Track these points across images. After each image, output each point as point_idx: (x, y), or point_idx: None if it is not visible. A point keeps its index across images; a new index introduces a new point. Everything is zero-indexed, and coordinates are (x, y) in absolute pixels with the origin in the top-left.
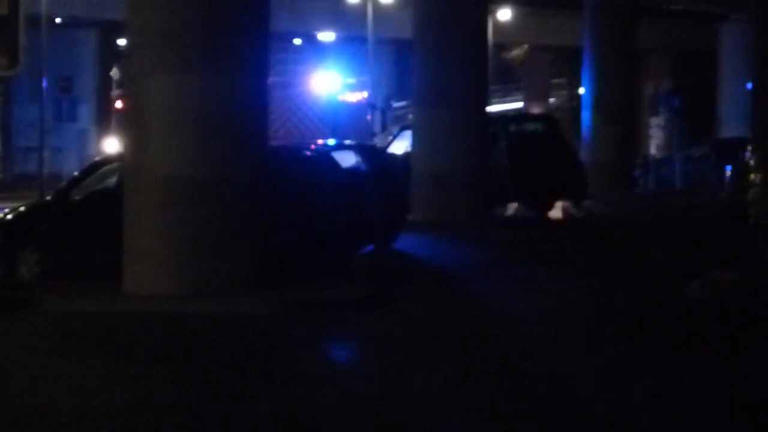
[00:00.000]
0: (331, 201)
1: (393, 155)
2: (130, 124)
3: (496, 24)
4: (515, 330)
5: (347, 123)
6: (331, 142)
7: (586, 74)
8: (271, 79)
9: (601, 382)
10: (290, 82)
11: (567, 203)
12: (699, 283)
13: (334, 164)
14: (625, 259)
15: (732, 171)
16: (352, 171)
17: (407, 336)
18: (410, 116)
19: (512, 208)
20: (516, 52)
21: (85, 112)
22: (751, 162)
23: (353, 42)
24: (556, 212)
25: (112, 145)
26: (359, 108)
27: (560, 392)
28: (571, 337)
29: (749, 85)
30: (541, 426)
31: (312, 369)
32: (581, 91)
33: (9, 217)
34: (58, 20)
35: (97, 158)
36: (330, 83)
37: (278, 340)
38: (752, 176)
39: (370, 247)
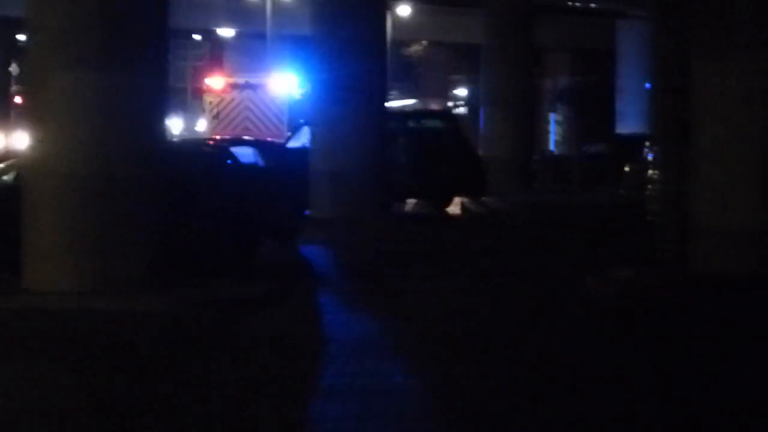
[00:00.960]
0: (230, 197)
1: (292, 151)
2: (30, 121)
3: (395, 20)
4: (405, 329)
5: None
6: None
7: (484, 71)
8: (230, 80)
9: (488, 378)
10: (249, 83)
11: (465, 199)
12: (596, 279)
13: (233, 160)
14: (522, 256)
15: (629, 168)
16: (252, 167)
17: (301, 334)
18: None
19: (411, 204)
20: (415, 49)
21: None
22: (649, 159)
23: (253, 38)
24: (454, 208)
25: (19, 140)
26: None
27: (446, 391)
28: (461, 333)
29: (648, 85)
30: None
31: (208, 368)
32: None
33: None
34: None
35: None
36: (288, 83)
37: (175, 338)
38: (650, 173)
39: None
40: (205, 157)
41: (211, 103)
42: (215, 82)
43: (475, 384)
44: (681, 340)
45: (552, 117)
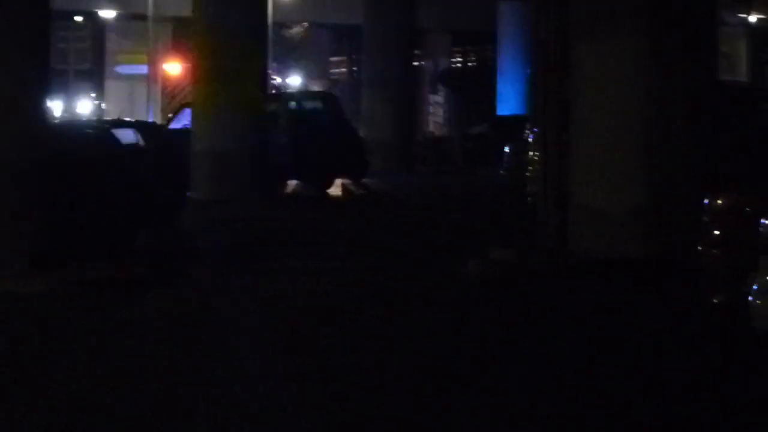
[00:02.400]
0: (110, 179)
1: (174, 133)
2: None
3: (276, 2)
4: (283, 312)
5: None
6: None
7: (365, 52)
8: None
9: (359, 354)
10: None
11: (347, 181)
12: (477, 262)
13: (114, 142)
14: (402, 237)
15: (510, 149)
16: (132, 148)
17: (175, 315)
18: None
19: (292, 185)
20: (296, 30)
21: None
22: (530, 141)
23: (134, 20)
24: (336, 190)
25: None
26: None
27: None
28: (327, 315)
29: (528, 70)
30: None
31: (87, 347)
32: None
33: None
34: None
35: None
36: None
37: (55, 319)
38: (530, 154)
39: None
40: (85, 140)
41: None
42: (173, 67)
43: (321, 366)
44: (547, 321)
45: (434, 99)
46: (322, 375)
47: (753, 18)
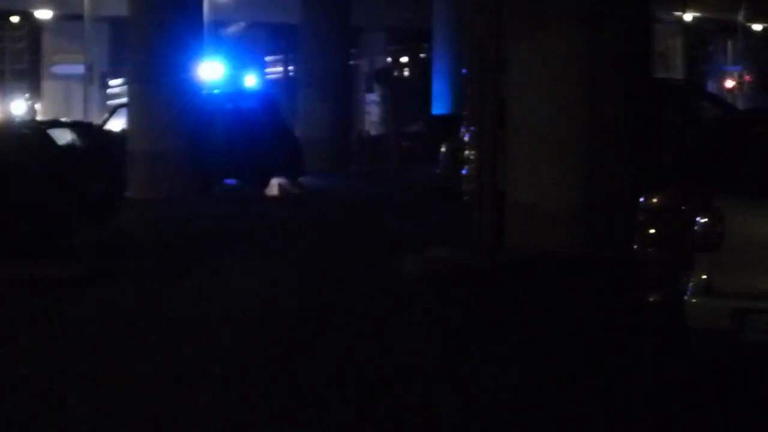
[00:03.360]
0: (47, 179)
1: (110, 133)
2: None
3: (213, 1)
4: (217, 312)
5: None
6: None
7: (301, 51)
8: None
9: (287, 353)
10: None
11: (283, 180)
12: (413, 259)
13: (50, 142)
14: (337, 236)
15: (446, 148)
16: (69, 149)
17: (116, 317)
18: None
19: (229, 184)
20: (232, 30)
21: None
22: (466, 139)
23: (70, 20)
24: (272, 189)
25: None
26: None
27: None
28: (258, 312)
29: (464, 71)
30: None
31: (19, 346)
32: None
33: None
34: None
35: None
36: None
37: None
38: (466, 153)
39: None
40: (20, 140)
41: None
42: None
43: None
44: (480, 317)
45: (369, 97)
46: (248, 375)
47: (687, 16)
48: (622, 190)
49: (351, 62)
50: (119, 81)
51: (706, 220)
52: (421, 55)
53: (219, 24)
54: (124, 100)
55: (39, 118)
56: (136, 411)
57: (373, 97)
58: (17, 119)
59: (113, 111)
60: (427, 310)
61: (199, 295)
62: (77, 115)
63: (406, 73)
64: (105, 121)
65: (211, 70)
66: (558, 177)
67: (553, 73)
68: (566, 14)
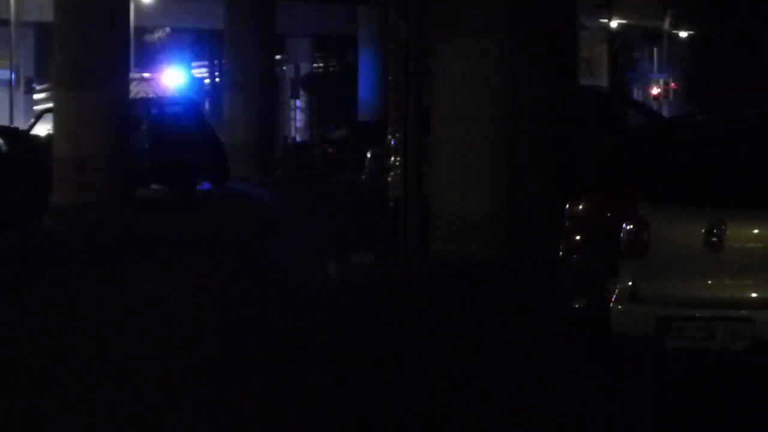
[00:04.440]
0: None
1: (35, 137)
2: None
3: (138, 6)
4: (141, 317)
5: None
6: None
7: (227, 57)
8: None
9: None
10: (143, 77)
11: (207, 185)
12: (337, 265)
13: None
14: (265, 242)
15: (372, 154)
16: None
17: (40, 321)
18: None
19: (154, 190)
20: (158, 35)
21: None
22: (392, 145)
23: None
24: (197, 194)
25: None
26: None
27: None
28: (177, 319)
29: (390, 78)
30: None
31: None
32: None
33: None
34: None
35: None
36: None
37: None
38: (392, 159)
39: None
40: None
41: None
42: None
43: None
44: (400, 324)
45: (295, 103)
46: (158, 376)
47: (613, 23)
48: (543, 195)
49: (276, 68)
50: (45, 86)
51: (631, 227)
52: (347, 62)
53: (144, 29)
54: (50, 105)
55: None
56: (52, 413)
57: (299, 103)
58: None
59: (39, 116)
60: (345, 314)
61: (120, 299)
62: (3, 120)
63: (331, 79)
64: (31, 126)
65: (173, 77)
66: (480, 183)
67: (475, 79)
68: (487, 21)
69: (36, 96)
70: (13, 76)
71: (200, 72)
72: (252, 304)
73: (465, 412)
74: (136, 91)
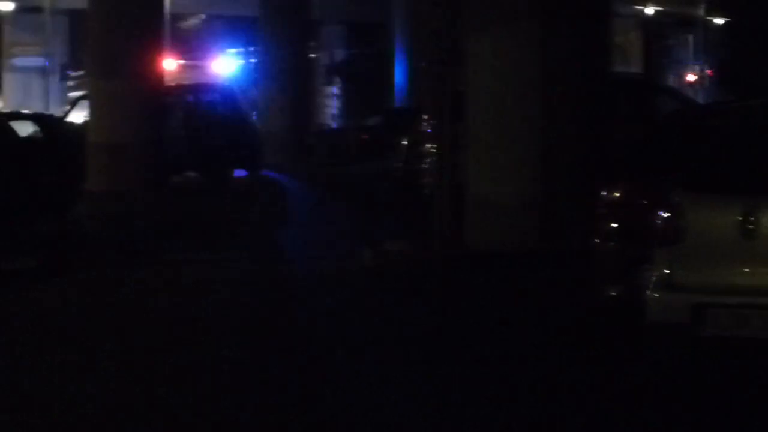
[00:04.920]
0: (3, 169)
1: (70, 125)
2: None
3: None
4: (175, 306)
5: None
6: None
7: (261, 44)
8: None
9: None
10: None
11: (243, 172)
12: (371, 252)
13: (10, 134)
14: (299, 228)
15: (406, 141)
16: (29, 140)
17: (71, 310)
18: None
19: (189, 177)
20: (193, 22)
21: None
22: (427, 132)
23: (30, 12)
24: (233, 181)
25: None
26: None
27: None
28: (213, 307)
29: (423, 63)
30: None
31: None
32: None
33: None
34: None
35: None
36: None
37: None
38: (427, 146)
39: None
40: None
41: None
42: (168, 63)
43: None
44: (437, 311)
45: (330, 90)
46: (208, 362)
47: (647, 10)
48: (576, 183)
49: (311, 55)
50: (79, 73)
51: (666, 214)
52: (382, 49)
53: (179, 16)
54: (84, 92)
55: None
56: (99, 403)
57: (333, 90)
58: None
59: (75, 103)
60: (379, 302)
61: (152, 287)
62: (38, 108)
63: (366, 66)
64: (66, 114)
65: (224, 64)
66: (514, 170)
67: (508, 66)
68: (520, 8)
69: (70, 83)
70: (47, 63)
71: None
72: (287, 290)
73: (493, 401)
74: (187, 78)
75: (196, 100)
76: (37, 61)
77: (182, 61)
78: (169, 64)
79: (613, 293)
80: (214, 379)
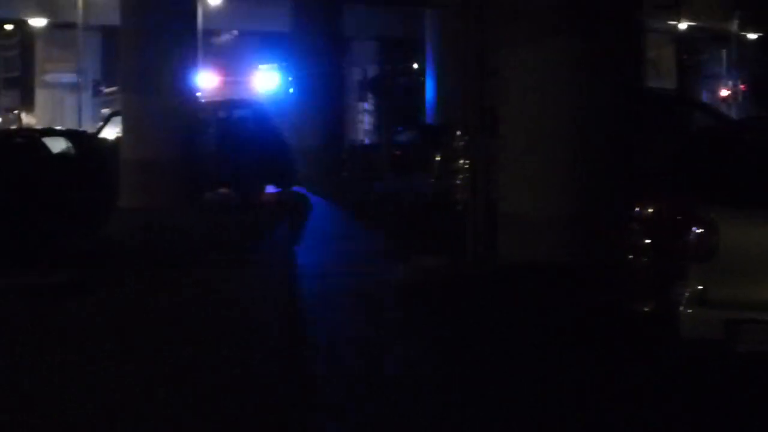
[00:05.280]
0: (37, 185)
1: (103, 141)
2: None
3: (205, 9)
4: (202, 322)
5: None
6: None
7: (293, 60)
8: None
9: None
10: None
11: (276, 189)
12: (405, 267)
13: (43, 149)
14: (333, 244)
15: (440, 156)
16: (61, 156)
17: (101, 326)
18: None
19: (221, 193)
20: (225, 38)
21: None
22: (459, 147)
23: (63, 28)
24: (264, 197)
25: None
26: None
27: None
28: (259, 318)
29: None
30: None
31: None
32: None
33: None
34: None
35: None
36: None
37: None
38: (460, 162)
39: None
40: (12, 148)
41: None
42: (210, 79)
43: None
44: (471, 325)
45: (362, 106)
46: (239, 377)
47: (680, 25)
48: (613, 199)
49: (343, 71)
50: (112, 89)
51: (699, 230)
52: (414, 65)
53: (211, 32)
54: (117, 108)
55: (28, 126)
56: (129, 415)
57: (365, 105)
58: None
59: (108, 119)
60: (416, 315)
61: (185, 302)
62: (71, 124)
63: (398, 82)
64: (99, 130)
65: (264, 79)
66: (549, 185)
67: (540, 81)
68: (552, 23)
69: (103, 99)
70: (80, 79)
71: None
72: (324, 304)
73: (530, 413)
74: (227, 93)
75: (229, 116)
76: (69, 77)
77: (222, 77)
78: (210, 80)
79: (646, 309)
80: (245, 395)
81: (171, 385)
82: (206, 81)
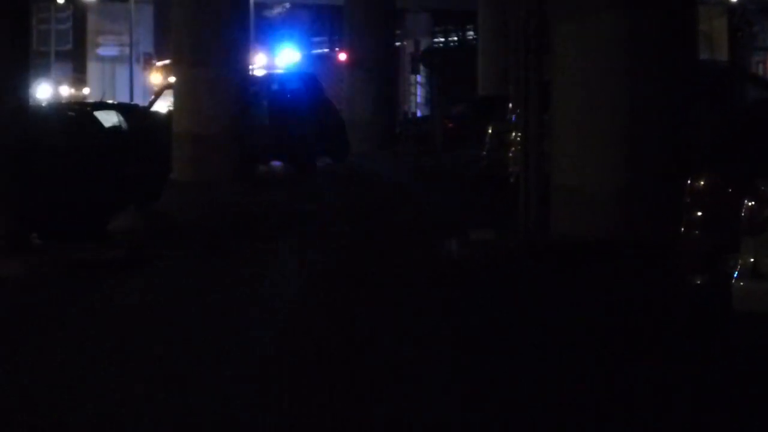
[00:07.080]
0: (92, 161)
1: (155, 115)
2: None
3: None
4: (256, 297)
5: None
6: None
7: (346, 33)
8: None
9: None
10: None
11: (328, 161)
12: (457, 242)
13: (96, 124)
14: (385, 218)
15: (492, 129)
16: (115, 130)
17: (158, 301)
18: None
19: (274, 166)
20: (277, 11)
21: None
22: (513, 121)
23: (114, 1)
24: (319, 169)
25: None
26: None
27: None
28: (311, 296)
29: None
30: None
31: (63, 330)
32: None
33: None
34: None
35: None
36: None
37: (32, 301)
38: (513, 135)
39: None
40: (66, 122)
41: None
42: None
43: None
44: (525, 301)
45: (415, 79)
46: (294, 353)
47: None
48: (662, 172)
49: (396, 43)
50: (164, 62)
51: (752, 203)
52: (467, 36)
53: (264, 5)
54: (170, 81)
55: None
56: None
57: (419, 78)
58: (62, 101)
59: (159, 92)
60: (468, 291)
61: (240, 278)
62: (123, 97)
63: (451, 54)
64: (151, 103)
65: (287, 55)
66: (602, 160)
67: (593, 55)
68: None
69: (155, 72)
70: (132, 52)
71: (319, 49)
72: (370, 281)
73: (581, 392)
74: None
75: (281, 89)
76: (121, 50)
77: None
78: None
79: (699, 282)
80: (300, 376)
81: (216, 365)
82: (287, 57)
